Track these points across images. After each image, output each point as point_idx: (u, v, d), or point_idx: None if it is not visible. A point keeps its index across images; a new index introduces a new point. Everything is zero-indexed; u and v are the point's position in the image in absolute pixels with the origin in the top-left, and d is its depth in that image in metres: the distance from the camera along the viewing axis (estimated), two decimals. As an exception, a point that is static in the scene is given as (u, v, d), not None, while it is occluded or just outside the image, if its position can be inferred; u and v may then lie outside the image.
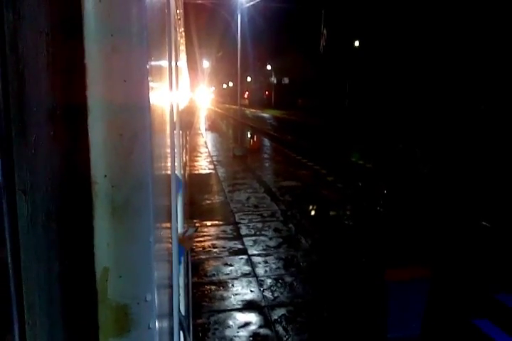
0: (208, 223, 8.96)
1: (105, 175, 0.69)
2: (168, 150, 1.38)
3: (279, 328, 4.98)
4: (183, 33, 5.35)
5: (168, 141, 1.38)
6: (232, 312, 5.33)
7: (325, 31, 33.13)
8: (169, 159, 1.37)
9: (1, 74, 0.71)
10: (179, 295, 1.70)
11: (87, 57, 0.68)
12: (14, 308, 0.75)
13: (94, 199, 0.70)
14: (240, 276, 6.33)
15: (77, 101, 0.71)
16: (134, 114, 0.70)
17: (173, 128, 1.53)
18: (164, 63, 1.20)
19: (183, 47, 5.35)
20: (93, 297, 0.71)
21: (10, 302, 0.75)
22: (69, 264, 0.76)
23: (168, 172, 1.36)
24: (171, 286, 1.42)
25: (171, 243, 1.45)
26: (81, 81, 0.69)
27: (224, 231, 8.47)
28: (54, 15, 0.73)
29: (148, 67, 0.71)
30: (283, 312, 5.30)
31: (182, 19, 4.54)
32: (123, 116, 0.69)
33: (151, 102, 0.73)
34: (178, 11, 3.11)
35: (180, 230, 2.36)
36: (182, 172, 4.28)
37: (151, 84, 0.73)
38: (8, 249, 0.74)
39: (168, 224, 1.31)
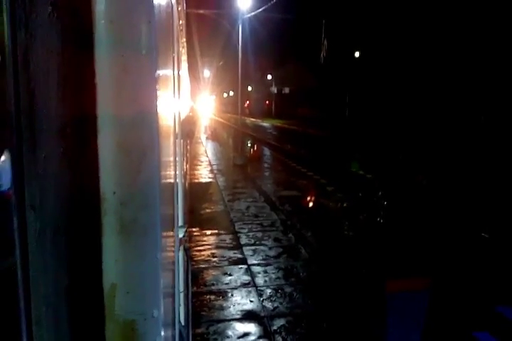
0: (208, 232, 8.94)
1: (114, 192, 0.70)
2: (172, 159, 1.39)
3: (279, 339, 4.95)
4: (185, 43, 5.39)
5: (172, 151, 1.40)
6: (231, 322, 5.31)
7: (325, 42, 33.27)
8: (172, 168, 1.39)
9: (14, 92, 0.73)
10: (180, 304, 1.71)
11: (98, 76, 0.69)
12: (23, 322, 0.76)
13: (102, 216, 0.71)
14: (240, 286, 6.31)
15: (87, 120, 0.73)
16: (143, 132, 0.72)
17: (175, 139, 1.55)
18: (170, 78, 1.22)
19: (184, 57, 5.39)
20: (100, 312, 0.72)
21: (18, 315, 0.76)
22: (77, 280, 0.77)
23: (172, 180, 1.38)
24: (173, 295, 1.43)
25: (173, 251, 1.46)
26: (91, 100, 0.70)
27: (223, 240, 8.46)
28: (65, 35, 0.74)
29: (157, 86, 0.73)
30: (282, 323, 5.28)
31: (184, 30, 4.59)
32: (132, 134, 0.71)
33: (159, 121, 0.74)
34: (180, 22, 3.14)
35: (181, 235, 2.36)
36: (183, 180, 4.30)
37: (159, 102, 0.75)
38: (18, 263, 0.75)
39: (171, 233, 1.32)
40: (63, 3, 0.73)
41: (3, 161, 0.76)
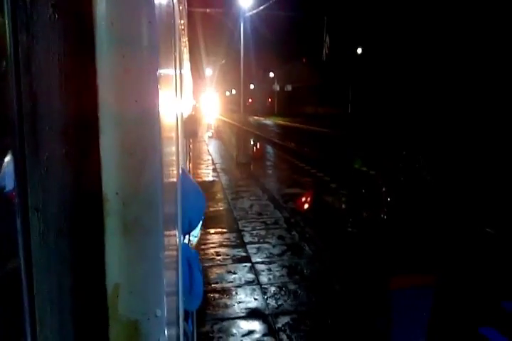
0: (212, 230, 8.95)
1: (116, 193, 0.71)
2: (174, 158, 1.39)
3: (283, 336, 4.96)
4: (187, 42, 5.39)
5: (175, 150, 1.40)
6: (235, 321, 5.32)
7: (328, 39, 33.27)
8: (175, 167, 1.39)
9: (16, 94, 0.74)
10: (184, 303, 1.71)
11: (99, 78, 0.70)
12: (27, 323, 0.76)
13: (105, 216, 0.71)
14: (244, 284, 6.32)
15: (89, 121, 0.73)
16: (145, 133, 0.72)
17: (178, 138, 1.56)
18: (172, 78, 1.22)
19: (186, 56, 5.39)
20: (104, 312, 0.73)
21: (23, 316, 0.76)
22: (80, 280, 0.78)
23: (174, 179, 1.38)
24: (177, 294, 1.43)
25: (176, 250, 1.46)
26: (93, 101, 0.71)
27: (227, 238, 8.46)
28: (67, 37, 0.75)
29: (158, 86, 0.73)
30: (287, 321, 5.29)
31: (186, 29, 4.59)
32: (134, 135, 0.71)
33: (161, 121, 0.75)
34: (181, 21, 3.14)
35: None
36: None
37: (161, 103, 0.75)
38: (22, 264, 0.76)
39: (174, 232, 1.32)
40: (64, 5, 0.74)
41: (7, 163, 0.77)
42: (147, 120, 0.72)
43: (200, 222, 2.43)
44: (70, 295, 0.78)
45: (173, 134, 1.33)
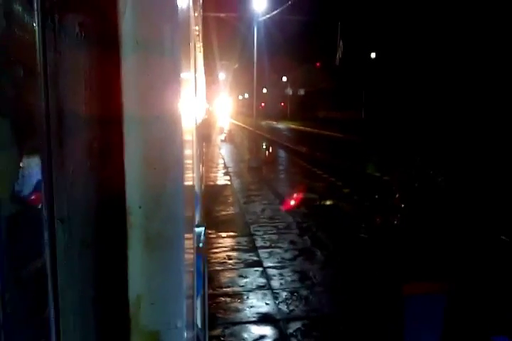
0: (223, 234, 8.96)
1: (140, 207, 0.73)
2: (191, 165, 1.41)
3: (294, 342, 4.96)
4: (202, 48, 5.43)
5: (191, 157, 1.42)
6: (247, 325, 5.31)
7: (341, 43, 33.25)
8: (191, 174, 1.41)
9: (44, 109, 0.76)
10: (197, 307, 1.72)
11: (124, 94, 0.72)
12: (52, 333, 0.78)
13: (128, 229, 0.73)
14: (255, 289, 6.31)
15: (113, 135, 0.75)
16: (168, 148, 0.74)
17: (193, 143, 1.57)
18: (191, 91, 1.24)
19: (201, 61, 5.43)
20: (126, 323, 0.75)
21: (48, 324, 0.78)
22: (103, 291, 0.80)
23: (192, 187, 1.40)
24: (192, 297, 1.44)
25: (192, 253, 1.48)
26: (117, 117, 0.73)
27: (239, 242, 8.47)
28: (93, 54, 0.77)
29: (181, 102, 0.75)
30: (298, 326, 5.27)
31: (201, 35, 4.62)
32: (157, 150, 0.73)
33: (183, 136, 0.77)
34: (196, 28, 3.18)
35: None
36: (200, 183, 4.33)
37: (183, 118, 0.77)
38: (49, 275, 0.78)
39: (190, 235, 1.34)
40: (91, 23, 0.76)
41: (22, 168, 0.79)
42: (170, 135, 0.74)
43: (203, 228, 2.45)
44: (93, 306, 0.80)
45: (192, 142, 1.35)
